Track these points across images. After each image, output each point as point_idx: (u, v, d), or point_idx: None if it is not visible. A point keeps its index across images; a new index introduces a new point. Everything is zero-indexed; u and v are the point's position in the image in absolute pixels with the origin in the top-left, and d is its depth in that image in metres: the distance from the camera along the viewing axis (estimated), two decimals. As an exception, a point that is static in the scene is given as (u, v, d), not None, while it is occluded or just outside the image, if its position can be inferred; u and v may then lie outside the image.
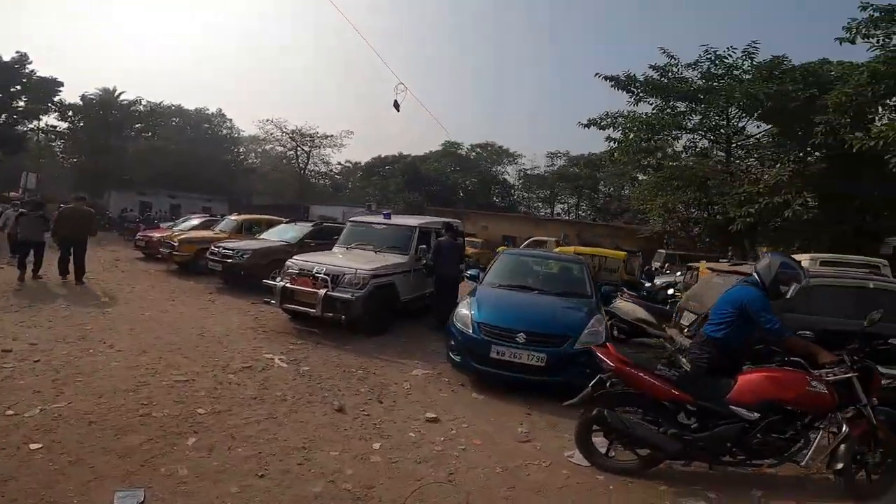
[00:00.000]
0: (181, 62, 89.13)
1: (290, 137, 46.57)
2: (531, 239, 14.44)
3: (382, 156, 53.37)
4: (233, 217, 12.87)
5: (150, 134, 37.80)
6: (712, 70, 15.11)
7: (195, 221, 15.29)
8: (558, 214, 46.60)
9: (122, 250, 15.80)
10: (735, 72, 14.92)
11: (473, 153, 54.41)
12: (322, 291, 6.30)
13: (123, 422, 3.54)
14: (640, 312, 7.30)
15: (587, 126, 16.57)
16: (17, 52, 23.29)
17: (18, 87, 23.50)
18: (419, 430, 3.92)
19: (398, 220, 8.44)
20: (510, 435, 4.01)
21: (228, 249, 9.33)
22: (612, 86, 15.97)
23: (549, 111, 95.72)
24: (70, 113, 30.50)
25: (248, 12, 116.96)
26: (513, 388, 4.84)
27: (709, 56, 14.97)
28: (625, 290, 8.53)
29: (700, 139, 17.30)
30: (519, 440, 3.94)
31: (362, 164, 60.66)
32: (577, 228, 31.89)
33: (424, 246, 7.89)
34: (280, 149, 49.07)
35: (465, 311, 5.28)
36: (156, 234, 13.39)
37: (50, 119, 30.44)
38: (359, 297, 6.37)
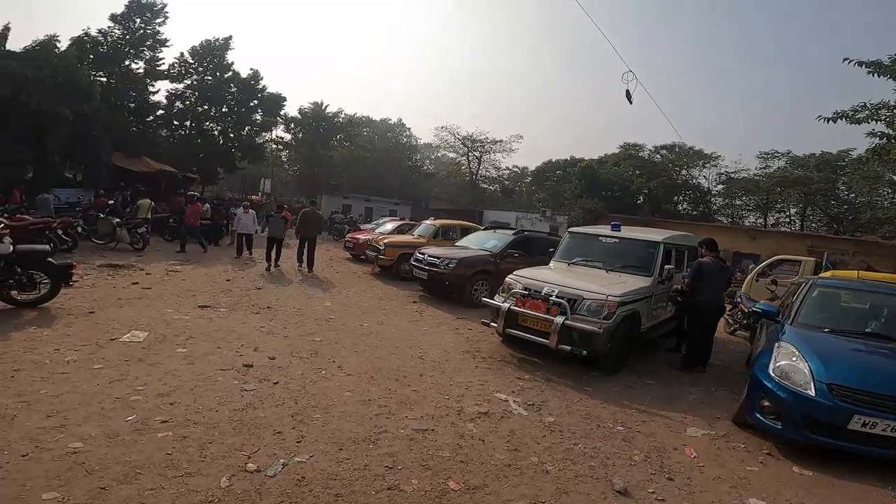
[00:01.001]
0: (365, 75, 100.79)
1: (462, 143, 48.15)
2: (775, 258, 11.23)
3: (553, 160, 51.58)
4: (429, 222, 12.91)
5: (348, 143, 42.95)
6: None
7: (390, 225, 16.06)
8: (774, 225, 38.35)
9: (333, 249, 17.50)
10: None
11: (658, 155, 48.77)
12: (559, 319, 5.18)
13: (371, 497, 2.86)
14: None
15: (833, 120, 12.47)
16: (251, 69, 26.77)
17: (255, 102, 26.46)
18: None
19: (632, 232, 6.90)
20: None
21: (434, 258, 9.00)
22: (869, 72, 11.74)
23: (750, 108, 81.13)
24: (292, 125, 36.01)
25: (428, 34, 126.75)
26: (853, 458, 3.68)
27: None
28: None
29: None
30: None
31: (529, 169, 59.94)
32: (809, 243, 25.35)
33: (671, 266, 6.24)
34: (452, 155, 51.11)
35: (791, 363, 3.94)
36: (361, 237, 14.27)
37: (278, 131, 36.58)
38: (606, 328, 5.10)
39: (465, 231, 12.40)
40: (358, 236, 14.57)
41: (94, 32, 20.42)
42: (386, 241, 11.48)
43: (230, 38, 25.18)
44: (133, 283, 8.00)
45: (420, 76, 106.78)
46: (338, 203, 32.65)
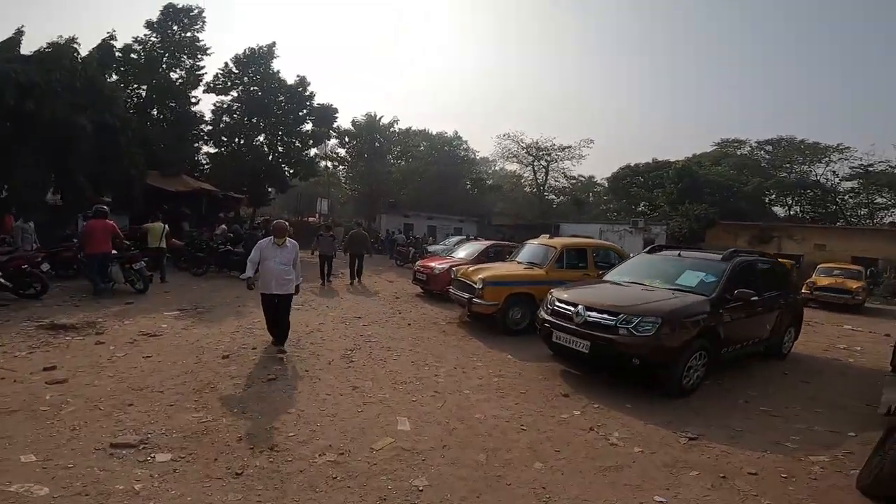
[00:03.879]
0: (415, 86, 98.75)
1: (526, 152, 43.64)
2: None
3: (633, 164, 45.96)
4: (541, 242, 8.59)
5: (405, 158, 39.94)
6: None
7: (469, 248, 11.94)
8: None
9: (398, 279, 13.71)
10: None
11: (763, 151, 41.76)
12: None
13: None
14: None
15: None
16: (298, 75, 24.36)
17: (304, 112, 23.89)
18: None
19: None
20: None
21: (599, 310, 4.74)
22: None
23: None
24: (346, 138, 33.39)
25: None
26: None
27: None
28: None
29: None
30: None
31: (595, 177, 54.30)
32: None
33: None
34: (513, 167, 46.71)
35: None
36: (437, 265, 10.31)
37: (331, 146, 34.04)
38: None
39: (603, 255, 8.08)
40: (431, 264, 10.61)
41: (129, 41, 18.63)
42: (483, 275, 7.36)
43: (273, 44, 22.94)
44: (47, 368, 4.41)
45: (472, 87, 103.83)
46: (398, 222, 29.32)
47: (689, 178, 31.41)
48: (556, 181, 46.37)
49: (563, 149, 43.07)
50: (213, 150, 22.64)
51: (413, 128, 39.83)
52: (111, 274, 8.35)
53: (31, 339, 5.34)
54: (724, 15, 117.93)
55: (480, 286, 7.15)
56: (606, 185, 49.10)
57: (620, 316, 4.56)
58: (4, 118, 12.05)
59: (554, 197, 49.41)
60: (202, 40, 19.97)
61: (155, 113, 19.21)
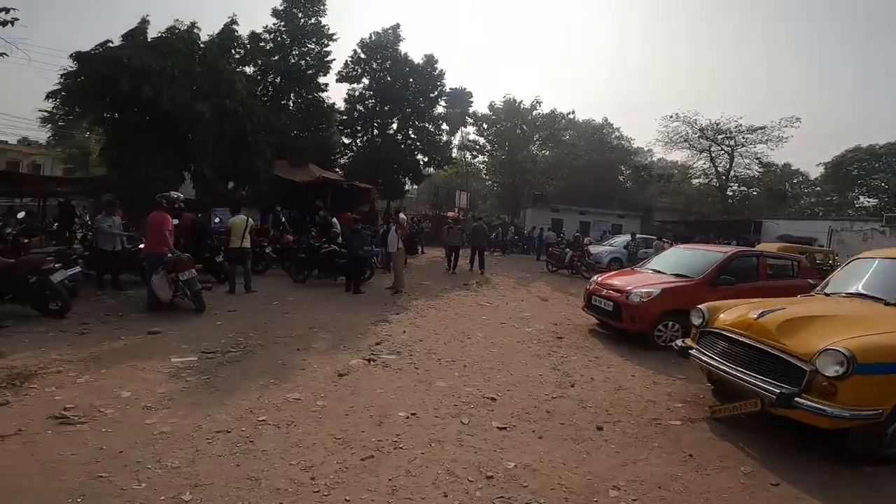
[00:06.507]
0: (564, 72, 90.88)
1: (701, 135, 34.74)
2: None
3: (864, 146, 34.04)
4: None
5: (549, 147, 35.12)
6: None
7: (684, 256, 7.15)
8: None
9: (553, 293, 9.67)
10: None
11: None
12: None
13: None
14: None
15: None
16: (425, 55, 22.15)
17: (435, 93, 21.82)
18: None
19: None
20: None
21: None
22: None
23: None
24: (483, 125, 30.13)
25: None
26: None
27: None
28: None
29: None
30: None
31: (792, 166, 41.69)
32: None
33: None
34: (683, 153, 37.89)
35: None
36: (634, 288, 5.88)
37: (467, 133, 31.08)
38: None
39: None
40: (625, 286, 6.09)
41: (258, 29, 17.90)
42: (843, 341, 2.85)
43: (398, 26, 21.15)
44: None
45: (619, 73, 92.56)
46: (545, 217, 24.97)
47: None
48: (747, 169, 36.44)
49: (754, 130, 33.33)
50: (347, 141, 21.37)
51: (557, 110, 34.55)
52: (152, 284, 5.93)
53: None
54: None
55: (839, 370, 2.70)
56: (821, 173, 37.39)
57: None
58: (124, 106, 11.25)
59: (736, 189, 39.16)
60: (325, 25, 18.77)
61: (290, 103, 18.32)
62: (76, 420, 2.98)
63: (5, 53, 8.02)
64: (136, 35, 11.78)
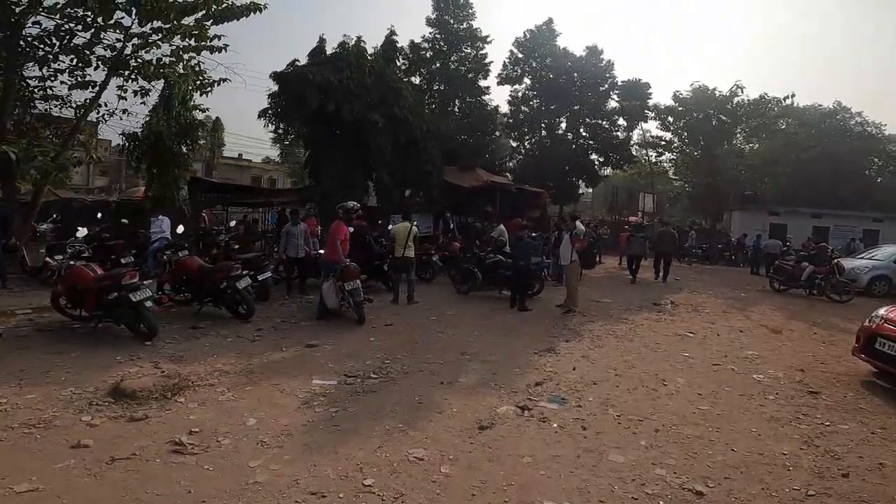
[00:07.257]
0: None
1: None
2: None
3: None
4: None
5: (758, 138, 28.37)
6: None
7: None
8: None
9: (788, 322, 7.14)
10: None
11: None
12: None
13: None
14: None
15: None
16: (587, 46, 20.61)
17: (605, 87, 20.41)
18: None
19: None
20: None
21: None
22: None
23: None
24: (670, 118, 25.81)
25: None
26: None
27: None
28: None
29: None
30: None
31: None
32: None
33: None
34: None
35: None
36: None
37: (649, 130, 27.06)
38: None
39: None
40: None
41: (417, 39, 18.78)
42: None
43: (551, 20, 20.40)
44: None
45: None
46: (759, 221, 20.16)
47: None
48: None
49: None
50: (514, 144, 20.83)
51: (768, 94, 27.30)
52: (322, 291, 6.10)
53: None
54: None
55: None
56: None
57: None
58: (314, 120, 12.51)
59: None
60: (478, 28, 19.01)
61: (455, 109, 18.78)
62: (189, 449, 2.73)
63: (226, 79, 9.55)
64: (317, 53, 13.12)
